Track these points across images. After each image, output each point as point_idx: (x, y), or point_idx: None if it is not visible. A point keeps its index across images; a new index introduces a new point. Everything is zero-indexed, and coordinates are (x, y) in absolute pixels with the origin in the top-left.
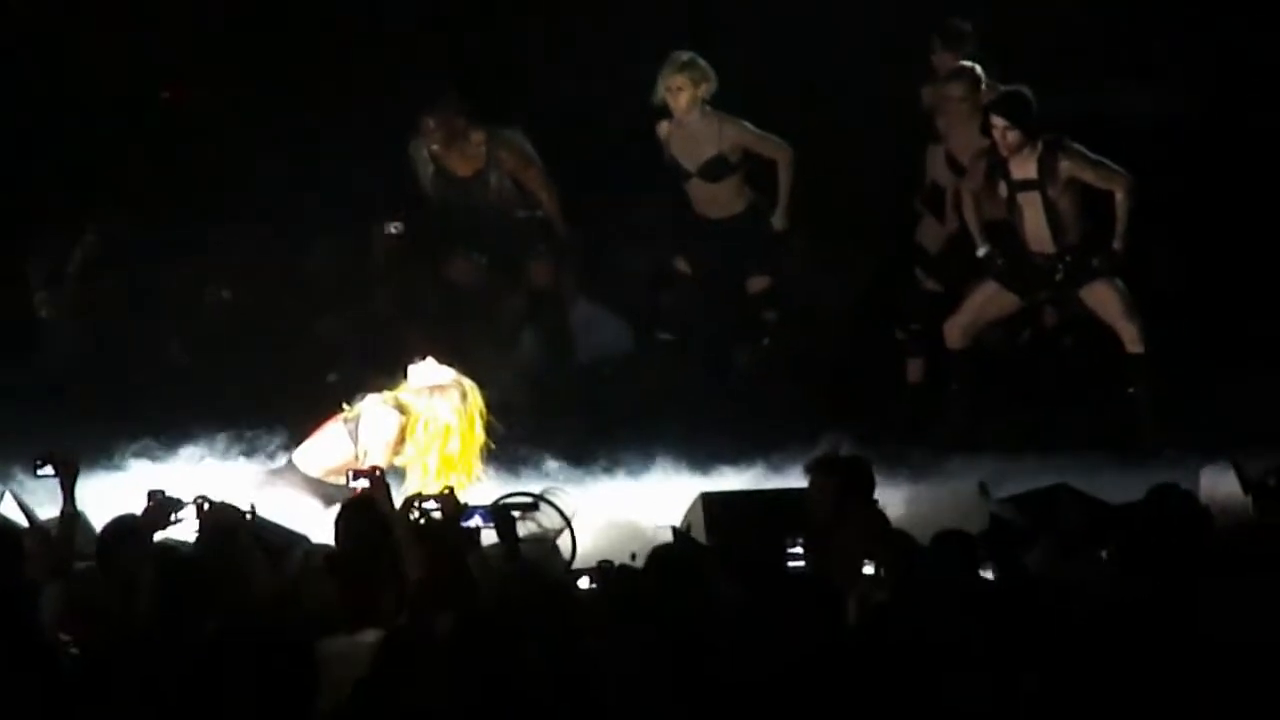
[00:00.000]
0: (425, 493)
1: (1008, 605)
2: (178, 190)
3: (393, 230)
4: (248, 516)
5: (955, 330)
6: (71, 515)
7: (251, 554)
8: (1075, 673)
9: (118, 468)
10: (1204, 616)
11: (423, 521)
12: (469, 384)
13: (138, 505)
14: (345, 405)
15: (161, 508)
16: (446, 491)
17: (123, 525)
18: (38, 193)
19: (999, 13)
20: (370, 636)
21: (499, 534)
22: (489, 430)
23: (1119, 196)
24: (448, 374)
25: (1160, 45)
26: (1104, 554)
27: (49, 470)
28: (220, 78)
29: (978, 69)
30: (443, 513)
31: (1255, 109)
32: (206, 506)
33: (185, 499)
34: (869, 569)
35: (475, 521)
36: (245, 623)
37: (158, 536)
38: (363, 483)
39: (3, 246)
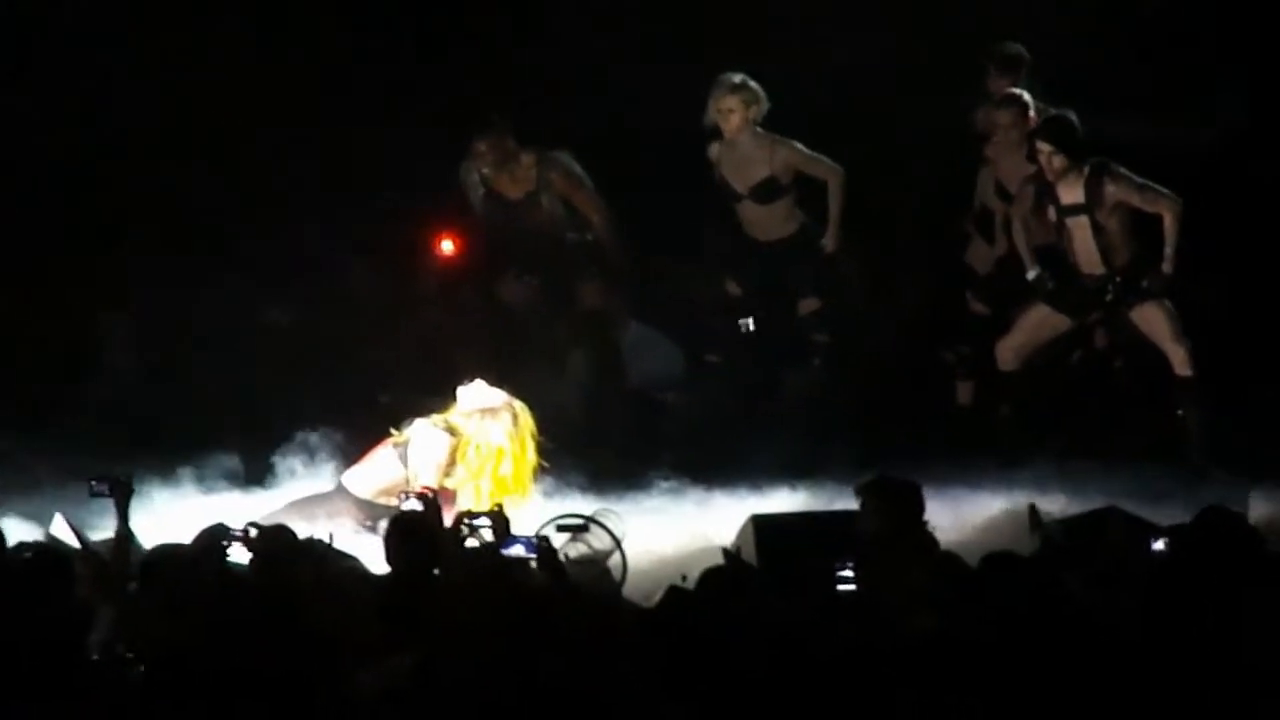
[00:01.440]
0: (476, 510)
1: (1055, 629)
2: (230, 212)
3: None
4: (320, 542)
5: (1007, 352)
6: (124, 537)
7: (304, 579)
8: (1117, 697)
9: (170, 490)
10: (1252, 640)
11: (473, 540)
12: (519, 406)
13: (190, 528)
14: (395, 429)
15: (212, 537)
16: (496, 509)
17: (165, 551)
18: (90, 214)
19: (1047, 38)
20: (410, 659)
21: (541, 564)
22: (540, 451)
23: (1167, 220)
24: (498, 396)
25: (1203, 69)
26: (1161, 545)
27: (105, 490)
28: (276, 100)
29: (1026, 96)
30: (494, 531)
31: None
32: (254, 533)
33: (235, 527)
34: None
35: (517, 550)
36: (288, 651)
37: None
38: (414, 504)
39: (58, 267)
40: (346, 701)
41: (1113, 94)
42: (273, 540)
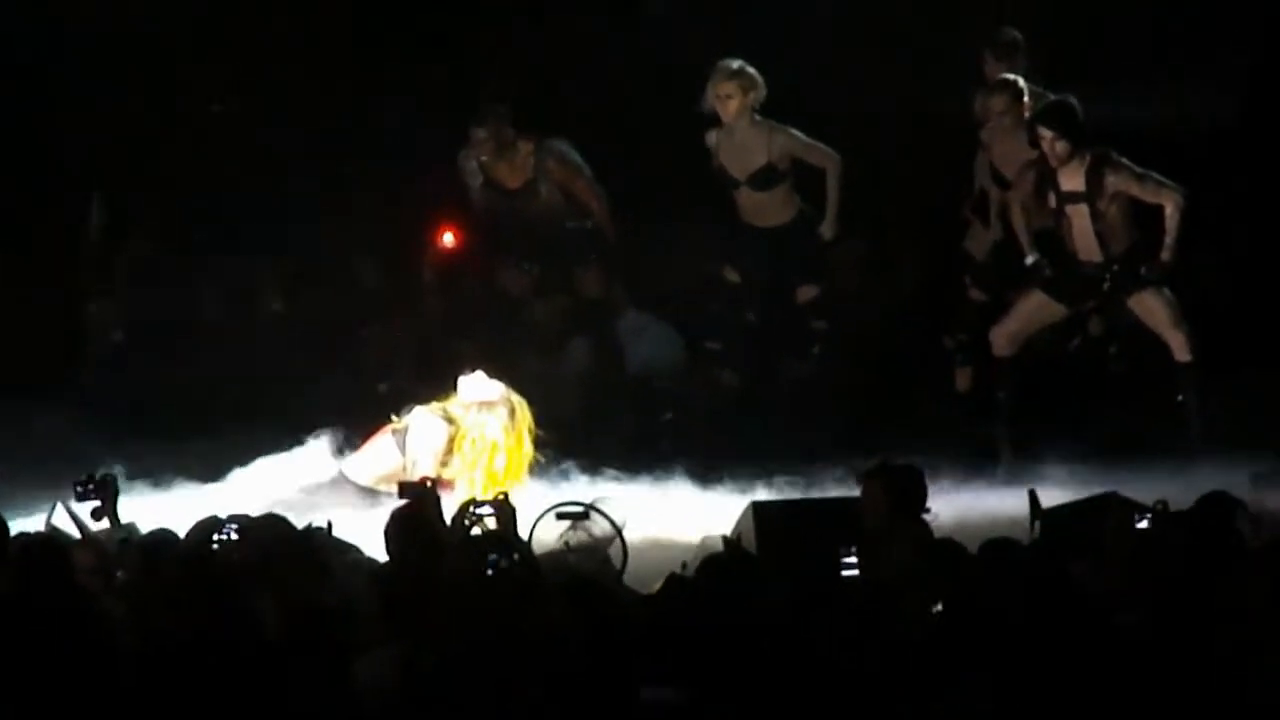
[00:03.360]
0: (480, 499)
1: (1056, 614)
2: (229, 199)
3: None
4: (320, 530)
5: (1003, 338)
6: (126, 533)
7: (299, 569)
8: (1117, 683)
9: (166, 477)
10: (1248, 628)
11: (477, 530)
12: (517, 399)
13: (185, 514)
14: (394, 416)
15: (204, 529)
16: (500, 497)
17: (160, 540)
18: (86, 203)
19: (1047, 22)
20: (410, 648)
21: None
22: (538, 445)
23: (1169, 210)
24: (497, 389)
25: (1205, 53)
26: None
27: (91, 492)
28: (275, 87)
29: (1021, 82)
30: (498, 520)
31: None
32: (249, 523)
33: (229, 519)
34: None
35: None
36: (287, 635)
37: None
38: (413, 493)
39: (52, 258)
40: (341, 693)
41: (1111, 79)
42: (267, 530)
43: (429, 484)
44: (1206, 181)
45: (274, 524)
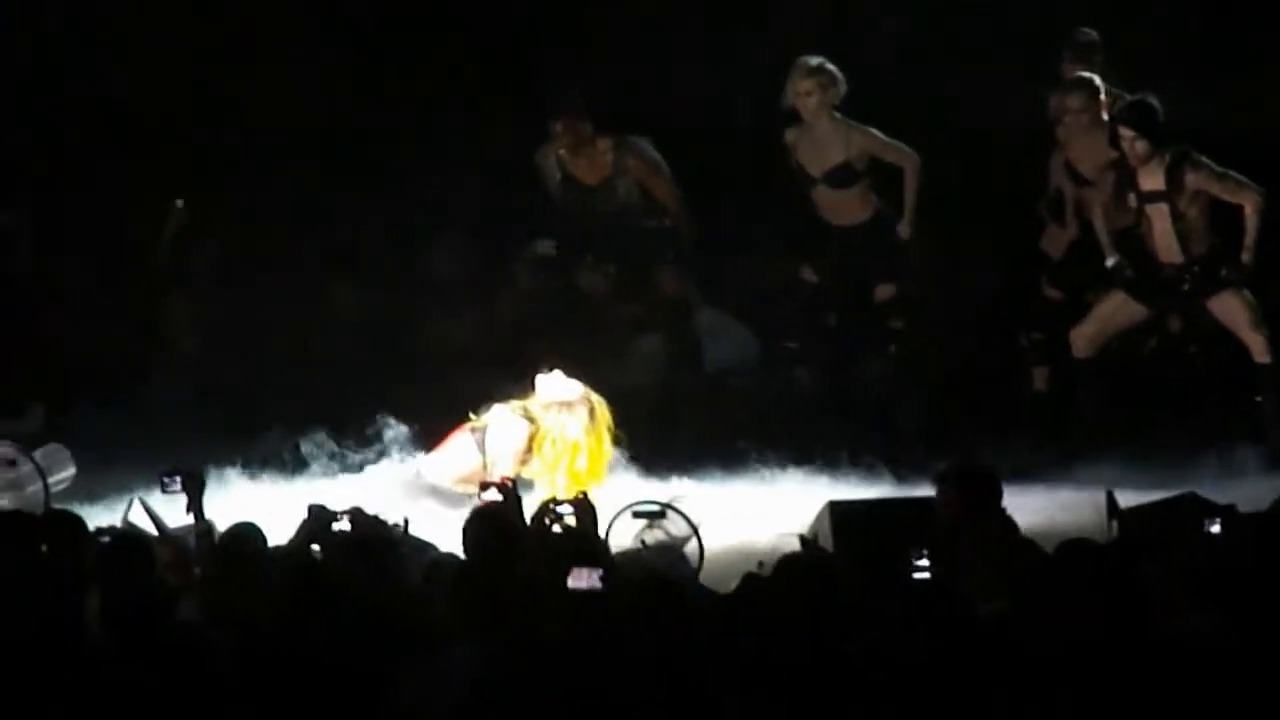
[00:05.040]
0: (559, 498)
1: (1131, 617)
2: (304, 196)
3: (546, 252)
4: (397, 530)
5: (1082, 339)
6: (205, 529)
7: (398, 566)
8: (1194, 685)
9: (249, 478)
10: None
11: (556, 528)
12: (597, 399)
13: (272, 514)
14: (473, 415)
15: (318, 519)
16: (580, 496)
17: (241, 533)
18: (162, 203)
19: (1126, 20)
20: (486, 647)
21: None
22: (617, 443)
23: (1248, 210)
24: (576, 389)
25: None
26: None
27: (176, 486)
28: (353, 79)
29: (1097, 80)
30: (577, 517)
31: None
32: (359, 519)
33: (339, 511)
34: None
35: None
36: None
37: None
38: (493, 494)
39: (127, 249)
40: (419, 692)
41: (1189, 79)
42: (371, 528)
43: (510, 483)
44: None
45: (375, 523)
